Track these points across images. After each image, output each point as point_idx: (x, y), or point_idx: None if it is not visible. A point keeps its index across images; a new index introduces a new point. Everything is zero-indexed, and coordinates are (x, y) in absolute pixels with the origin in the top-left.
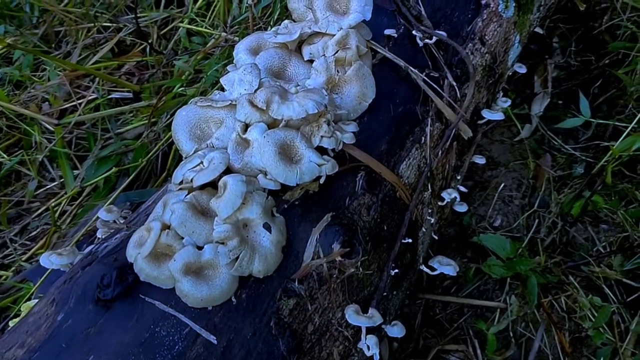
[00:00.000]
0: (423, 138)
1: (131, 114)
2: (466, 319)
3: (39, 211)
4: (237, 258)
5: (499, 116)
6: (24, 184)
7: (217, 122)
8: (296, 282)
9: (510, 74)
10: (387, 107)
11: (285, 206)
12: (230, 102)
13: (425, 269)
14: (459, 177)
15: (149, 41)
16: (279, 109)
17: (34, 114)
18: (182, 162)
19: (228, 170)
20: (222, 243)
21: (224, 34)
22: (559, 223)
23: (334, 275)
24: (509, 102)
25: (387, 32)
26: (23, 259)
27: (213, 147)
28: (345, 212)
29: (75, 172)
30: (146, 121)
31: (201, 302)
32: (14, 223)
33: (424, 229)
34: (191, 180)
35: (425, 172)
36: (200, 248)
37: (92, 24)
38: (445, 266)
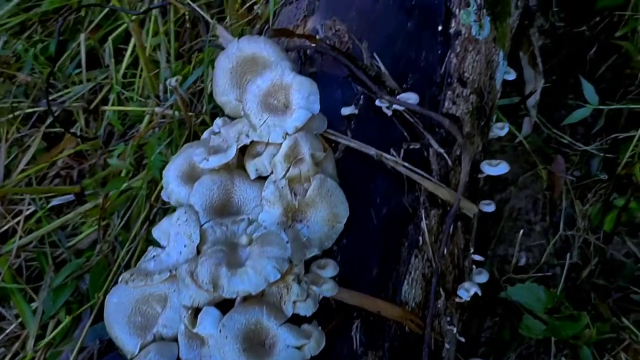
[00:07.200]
0: (420, 238)
1: (80, 217)
2: None
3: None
4: None
5: (503, 169)
6: None
7: (159, 299)
8: None
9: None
10: (367, 214)
11: None
12: (169, 273)
13: None
14: (471, 250)
15: (77, 128)
16: (229, 285)
17: None
18: None
19: None
20: None
21: (157, 109)
22: (591, 240)
23: None
24: (507, 128)
25: (344, 111)
26: None
27: (163, 338)
28: None
29: (33, 305)
30: (97, 226)
31: None
32: None
33: (447, 346)
34: None
35: (433, 284)
36: None
37: (11, 115)
38: None
